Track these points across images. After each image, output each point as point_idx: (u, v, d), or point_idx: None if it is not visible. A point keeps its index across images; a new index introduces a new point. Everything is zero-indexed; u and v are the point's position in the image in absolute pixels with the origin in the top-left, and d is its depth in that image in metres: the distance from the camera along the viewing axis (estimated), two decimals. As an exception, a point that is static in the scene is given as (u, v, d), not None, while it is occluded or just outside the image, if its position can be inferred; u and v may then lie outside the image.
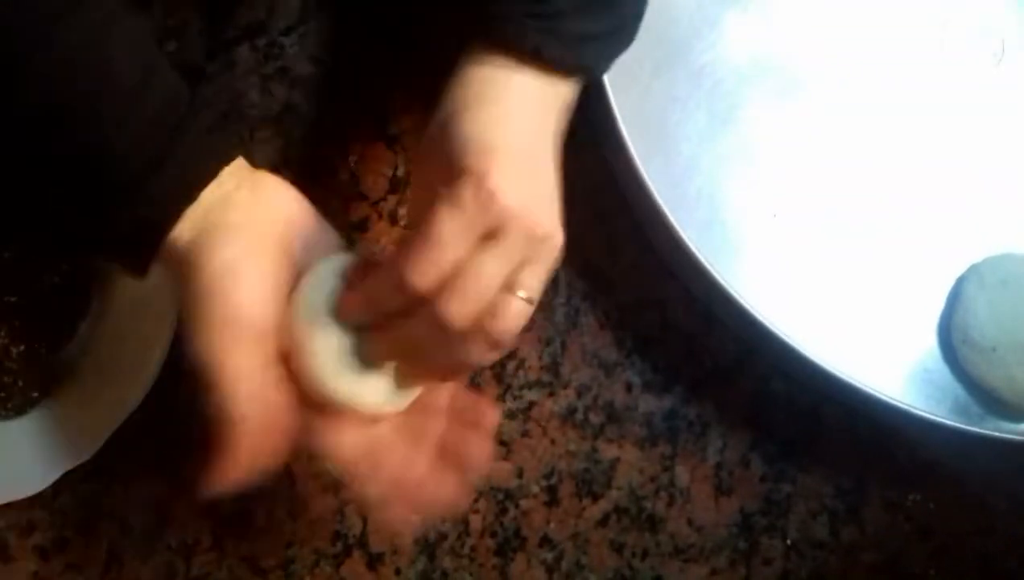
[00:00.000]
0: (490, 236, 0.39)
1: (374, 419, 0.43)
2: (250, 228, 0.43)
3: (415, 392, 0.44)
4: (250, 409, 0.40)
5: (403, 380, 0.43)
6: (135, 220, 0.41)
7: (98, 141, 0.41)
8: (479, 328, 0.40)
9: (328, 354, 0.42)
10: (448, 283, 0.39)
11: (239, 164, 0.44)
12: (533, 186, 0.42)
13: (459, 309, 0.39)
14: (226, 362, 0.40)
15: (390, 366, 0.42)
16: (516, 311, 0.41)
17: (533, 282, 0.41)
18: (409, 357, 0.42)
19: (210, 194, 0.42)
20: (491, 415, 0.46)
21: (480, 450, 0.44)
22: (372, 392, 0.42)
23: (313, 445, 0.43)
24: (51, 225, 0.46)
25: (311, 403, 0.42)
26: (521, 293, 0.41)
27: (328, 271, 0.43)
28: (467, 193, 0.39)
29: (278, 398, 0.41)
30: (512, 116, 0.42)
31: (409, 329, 0.40)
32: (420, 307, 0.40)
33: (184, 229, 0.42)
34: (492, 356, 0.42)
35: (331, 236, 0.46)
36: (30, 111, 0.41)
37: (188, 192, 0.42)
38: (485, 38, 0.44)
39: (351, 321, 0.42)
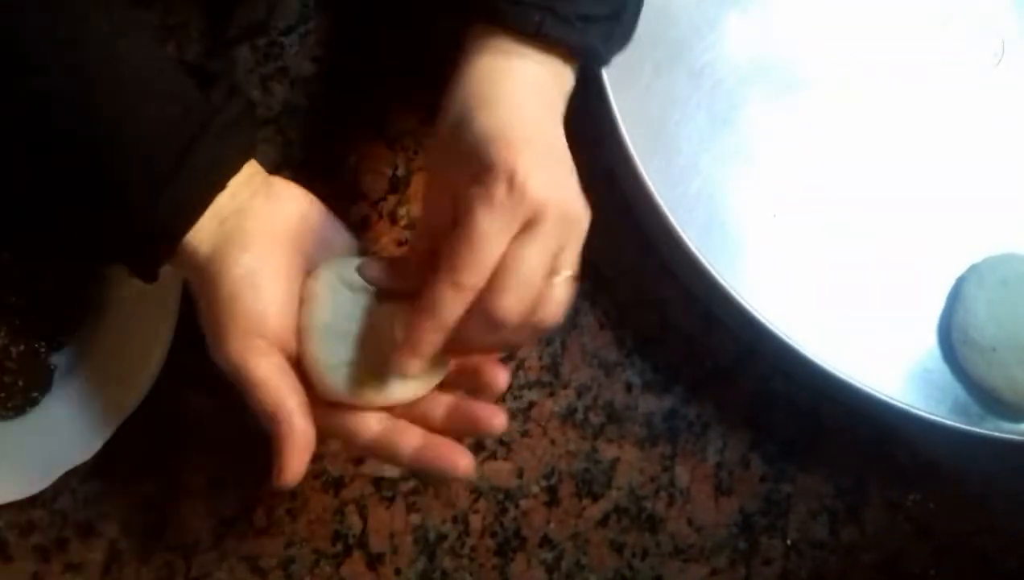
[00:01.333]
0: (527, 227, 0.40)
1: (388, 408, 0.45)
2: (266, 234, 0.43)
3: (430, 384, 0.45)
4: (277, 407, 0.42)
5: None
6: (149, 228, 0.42)
7: (111, 153, 0.41)
8: (529, 316, 0.41)
9: (333, 358, 0.43)
10: (496, 279, 0.40)
11: (252, 170, 0.45)
12: (557, 171, 0.43)
13: (513, 304, 0.40)
14: (251, 370, 0.42)
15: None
16: (563, 294, 0.42)
17: (573, 260, 0.43)
18: (457, 350, 0.43)
19: (227, 204, 0.43)
20: (501, 378, 0.46)
21: (491, 412, 0.45)
22: (384, 390, 0.43)
23: (333, 435, 0.45)
24: (62, 233, 0.47)
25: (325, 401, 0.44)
26: (565, 273, 0.42)
27: (330, 277, 0.44)
28: (500, 190, 0.40)
29: (303, 394, 0.43)
30: (525, 107, 0.43)
31: (459, 322, 0.41)
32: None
33: (203, 240, 0.43)
34: (537, 337, 0.43)
35: (344, 234, 0.47)
36: (45, 126, 0.41)
37: (200, 201, 0.43)
38: (487, 21, 0.44)
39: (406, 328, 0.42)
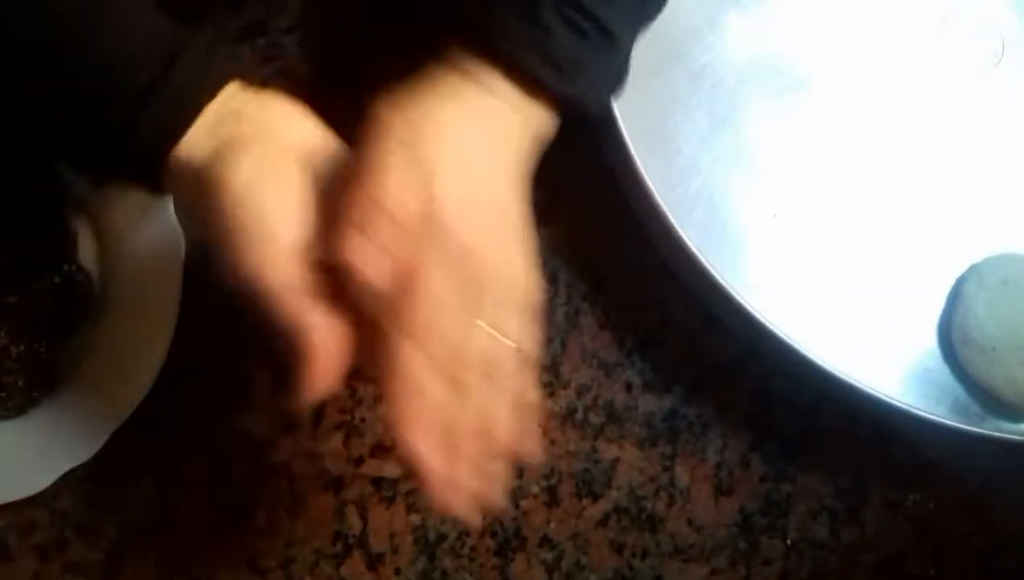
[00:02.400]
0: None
1: None
2: (265, 141, 0.42)
3: None
4: (300, 316, 0.40)
5: None
6: (141, 137, 0.41)
7: (98, 61, 0.41)
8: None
9: None
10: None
11: (242, 85, 0.44)
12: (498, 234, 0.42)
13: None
14: (265, 280, 0.40)
15: None
16: (491, 349, 0.42)
17: (515, 326, 0.42)
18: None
19: (219, 109, 0.42)
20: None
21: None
22: None
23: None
24: (64, 148, 0.46)
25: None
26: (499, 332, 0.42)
27: None
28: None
29: (322, 308, 0.41)
30: (478, 167, 0.42)
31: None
32: None
33: (197, 146, 0.42)
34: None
35: (332, 142, 0.45)
36: (18, 45, 0.41)
37: (192, 105, 0.42)
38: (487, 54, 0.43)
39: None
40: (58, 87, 0.42)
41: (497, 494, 0.42)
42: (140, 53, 0.41)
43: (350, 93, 0.62)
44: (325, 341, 0.41)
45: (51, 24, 0.41)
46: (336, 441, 0.59)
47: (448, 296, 0.39)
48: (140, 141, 0.42)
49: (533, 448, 0.44)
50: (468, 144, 0.42)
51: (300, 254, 0.41)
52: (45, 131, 0.44)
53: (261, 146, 0.42)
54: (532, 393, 0.44)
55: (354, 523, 0.59)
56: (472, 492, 0.41)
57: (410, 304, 0.39)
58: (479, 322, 0.41)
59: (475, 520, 0.42)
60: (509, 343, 0.42)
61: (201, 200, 0.42)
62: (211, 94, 0.42)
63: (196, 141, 0.42)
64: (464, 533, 0.60)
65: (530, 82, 0.43)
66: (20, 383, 0.55)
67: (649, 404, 0.62)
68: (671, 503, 0.62)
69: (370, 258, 0.39)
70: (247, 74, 0.44)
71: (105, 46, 0.41)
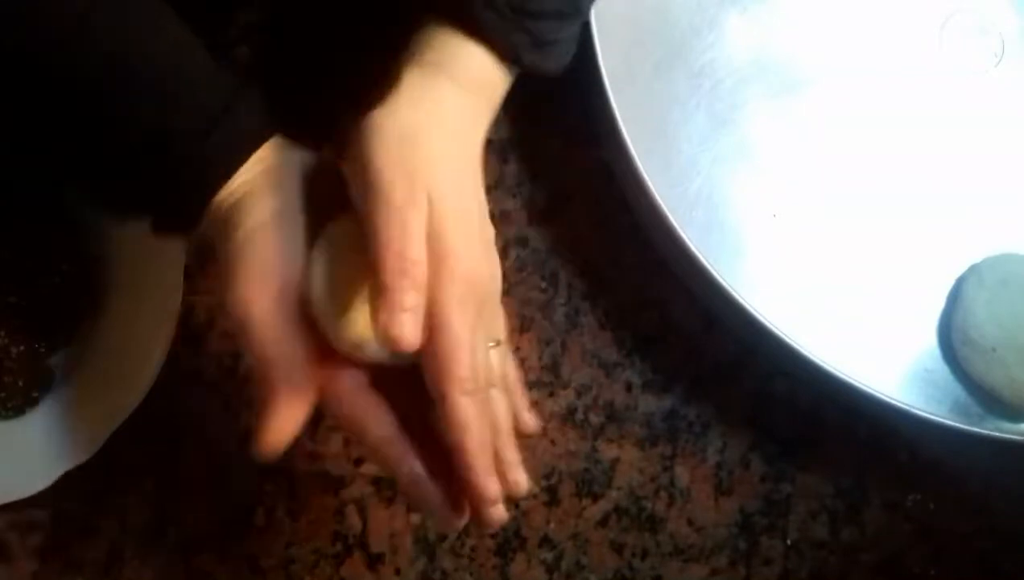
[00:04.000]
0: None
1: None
2: (286, 189, 0.44)
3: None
4: (276, 353, 0.41)
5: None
6: (180, 191, 0.43)
7: (149, 110, 0.43)
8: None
9: (331, 302, 0.42)
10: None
11: (279, 139, 0.46)
12: (466, 231, 0.43)
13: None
14: (251, 312, 0.41)
15: None
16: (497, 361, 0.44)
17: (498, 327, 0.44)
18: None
19: (253, 164, 0.44)
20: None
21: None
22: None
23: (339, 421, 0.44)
24: (107, 188, 0.49)
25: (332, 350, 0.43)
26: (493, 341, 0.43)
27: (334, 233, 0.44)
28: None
29: (302, 345, 0.42)
30: (448, 159, 0.43)
31: None
32: None
33: (228, 192, 0.43)
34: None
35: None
36: (84, 83, 0.42)
37: (238, 158, 0.43)
38: (464, 28, 0.45)
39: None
40: (117, 120, 0.43)
41: (523, 478, 0.44)
42: (201, 92, 0.43)
43: (344, 95, 0.63)
44: (293, 391, 0.41)
45: (115, 58, 0.42)
46: (336, 441, 0.59)
47: (468, 328, 0.40)
48: (189, 182, 0.43)
49: (534, 422, 0.47)
50: (453, 160, 0.43)
51: (290, 290, 0.42)
52: (86, 165, 0.46)
53: (278, 196, 0.43)
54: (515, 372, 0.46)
55: (354, 523, 0.59)
56: (504, 493, 0.42)
57: (440, 349, 0.40)
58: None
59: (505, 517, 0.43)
60: (502, 345, 0.44)
61: (217, 238, 0.44)
62: (259, 142, 0.44)
63: (230, 189, 0.43)
64: (464, 533, 0.60)
65: (507, 59, 0.45)
66: (20, 383, 0.55)
67: (649, 404, 0.62)
68: (671, 503, 0.62)
69: (407, 328, 0.39)
70: (288, 129, 0.46)
71: (167, 83, 0.43)
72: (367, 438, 0.43)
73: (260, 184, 0.44)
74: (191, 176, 0.43)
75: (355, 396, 0.43)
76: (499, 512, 0.42)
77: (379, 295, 0.39)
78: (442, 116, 0.43)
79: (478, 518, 0.42)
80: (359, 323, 0.42)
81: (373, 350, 0.42)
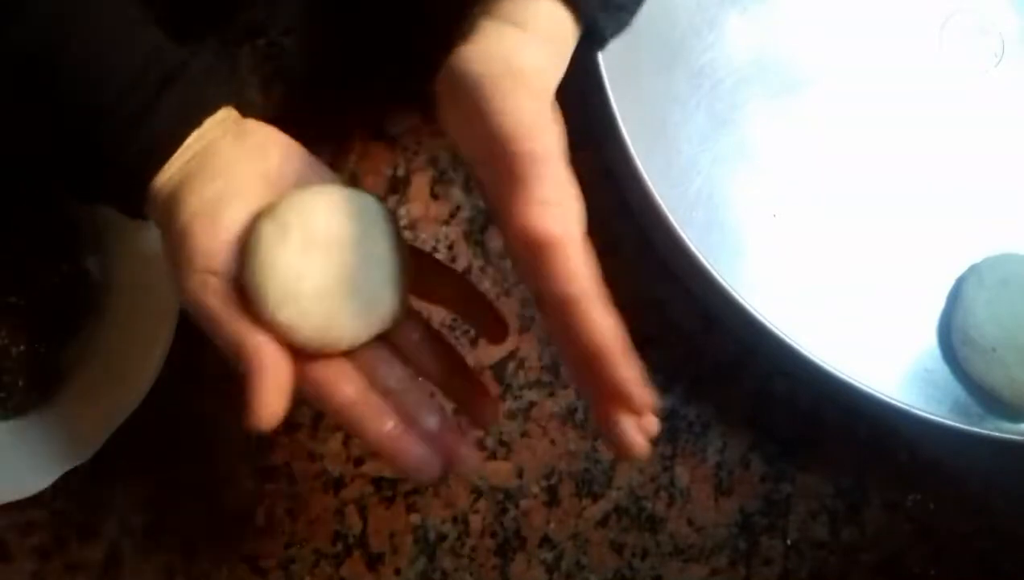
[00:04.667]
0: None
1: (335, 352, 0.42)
2: (231, 172, 0.42)
3: (372, 328, 0.43)
4: (237, 332, 0.40)
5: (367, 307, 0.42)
6: (122, 167, 0.42)
7: (85, 89, 0.41)
8: None
9: (277, 282, 0.41)
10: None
11: (225, 114, 0.44)
12: None
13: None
14: (208, 308, 0.41)
15: (343, 294, 0.42)
16: None
17: None
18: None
19: (194, 143, 0.42)
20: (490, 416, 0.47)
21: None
22: (326, 321, 0.42)
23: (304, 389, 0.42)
24: (47, 171, 0.46)
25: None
26: None
27: (294, 202, 0.42)
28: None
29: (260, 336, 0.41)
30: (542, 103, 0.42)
31: None
32: None
33: (167, 177, 0.42)
34: None
35: (328, 176, 0.45)
36: (18, 59, 0.41)
37: (173, 140, 0.42)
38: None
39: None
40: (52, 101, 0.42)
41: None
42: (138, 72, 0.41)
43: (344, 95, 0.63)
44: (274, 359, 0.40)
45: (49, 33, 0.41)
46: (336, 441, 0.59)
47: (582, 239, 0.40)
48: (127, 164, 0.42)
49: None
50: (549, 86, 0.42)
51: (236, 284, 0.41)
52: (33, 145, 0.44)
53: (227, 177, 0.42)
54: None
55: (354, 523, 0.59)
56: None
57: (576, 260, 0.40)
58: None
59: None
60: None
61: (160, 225, 0.43)
62: (199, 120, 0.43)
63: (171, 172, 0.42)
64: (464, 533, 0.60)
65: (575, 13, 0.43)
66: (20, 383, 0.55)
67: (649, 404, 0.62)
68: (671, 503, 0.62)
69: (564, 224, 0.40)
70: (237, 101, 0.45)
71: (103, 60, 0.41)
72: (335, 399, 0.42)
73: (203, 166, 0.42)
74: (127, 161, 0.42)
75: (318, 360, 0.42)
76: (652, 423, 0.41)
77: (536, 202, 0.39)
78: (520, 64, 0.42)
79: (621, 441, 0.40)
80: (297, 305, 0.41)
81: (304, 336, 0.41)
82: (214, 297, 0.41)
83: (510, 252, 0.45)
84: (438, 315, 0.61)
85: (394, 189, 0.62)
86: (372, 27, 0.63)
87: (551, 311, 0.40)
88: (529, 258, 0.40)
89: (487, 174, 0.41)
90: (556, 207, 0.40)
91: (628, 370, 0.40)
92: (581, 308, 0.39)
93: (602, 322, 0.39)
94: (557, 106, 0.42)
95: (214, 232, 0.41)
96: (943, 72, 0.68)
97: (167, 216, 0.42)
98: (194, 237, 0.41)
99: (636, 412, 0.40)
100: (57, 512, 0.57)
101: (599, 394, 0.40)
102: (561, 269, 0.39)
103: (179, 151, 0.42)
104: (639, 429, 0.41)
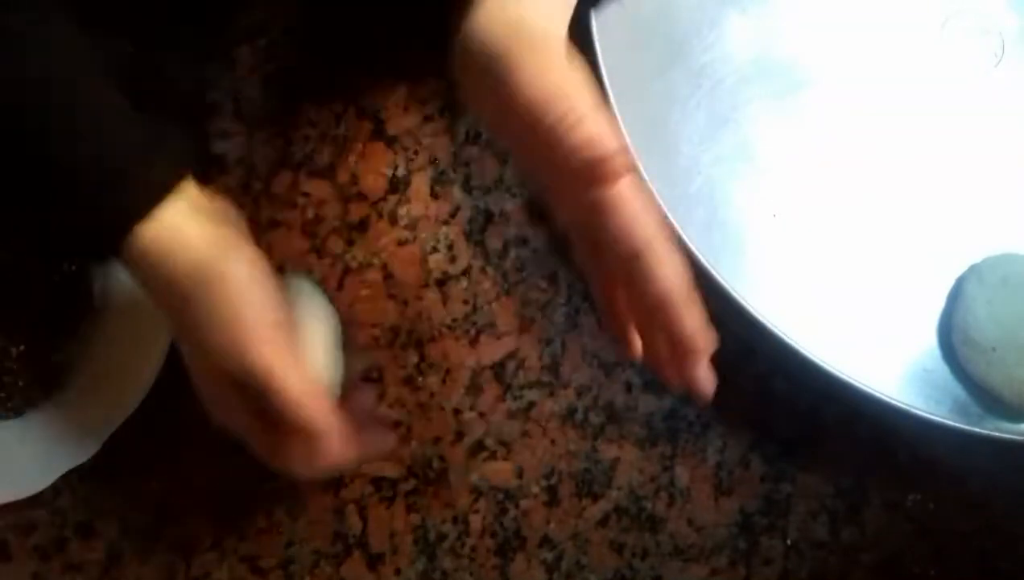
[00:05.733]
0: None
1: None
2: (242, 236, 0.45)
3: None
4: (305, 387, 0.44)
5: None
6: (101, 223, 0.43)
7: (53, 157, 0.42)
8: None
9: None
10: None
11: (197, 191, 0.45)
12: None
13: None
14: (278, 368, 0.43)
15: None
16: None
17: None
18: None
19: (199, 202, 0.44)
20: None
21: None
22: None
23: None
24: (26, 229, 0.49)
25: None
26: None
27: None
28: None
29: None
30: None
31: None
32: None
33: (195, 242, 0.43)
34: None
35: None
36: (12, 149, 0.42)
37: (156, 197, 0.43)
38: None
39: None
40: (30, 165, 0.43)
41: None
42: (115, 145, 0.43)
43: (342, 92, 0.63)
44: (337, 443, 0.44)
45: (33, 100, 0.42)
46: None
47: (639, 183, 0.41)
48: (99, 227, 0.43)
49: None
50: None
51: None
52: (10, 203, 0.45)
53: (248, 247, 0.44)
54: None
55: (354, 523, 0.59)
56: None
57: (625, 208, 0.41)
58: None
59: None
60: None
61: (193, 289, 0.43)
62: (168, 190, 0.43)
63: (188, 237, 0.43)
64: (464, 533, 0.60)
65: None
66: (20, 383, 0.55)
67: (649, 404, 0.62)
68: (671, 503, 0.62)
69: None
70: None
71: (61, 148, 0.42)
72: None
73: (229, 234, 0.44)
74: (102, 221, 0.43)
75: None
76: (706, 371, 0.42)
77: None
78: (532, 24, 0.42)
79: (696, 384, 0.43)
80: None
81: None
82: (283, 362, 0.44)
83: (562, 221, 0.46)
84: (438, 315, 0.61)
85: (394, 189, 0.62)
86: (372, 27, 0.63)
87: (616, 262, 0.41)
88: (589, 218, 0.41)
89: (521, 145, 0.42)
90: (607, 161, 0.40)
91: (694, 317, 0.42)
92: (645, 259, 0.41)
93: (669, 269, 0.41)
94: (572, 48, 0.42)
95: (266, 292, 0.45)
96: (943, 72, 0.68)
97: (210, 278, 0.43)
98: (253, 295, 0.44)
99: (703, 355, 0.43)
100: (57, 512, 0.57)
101: (665, 344, 0.42)
102: (623, 219, 0.41)
103: (184, 215, 0.43)
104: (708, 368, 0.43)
